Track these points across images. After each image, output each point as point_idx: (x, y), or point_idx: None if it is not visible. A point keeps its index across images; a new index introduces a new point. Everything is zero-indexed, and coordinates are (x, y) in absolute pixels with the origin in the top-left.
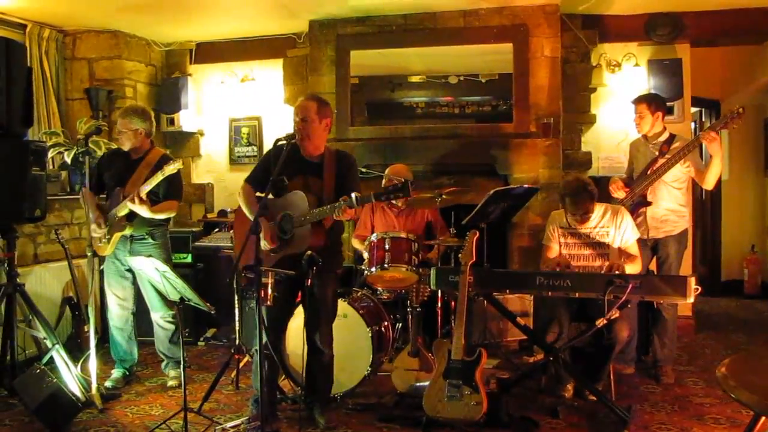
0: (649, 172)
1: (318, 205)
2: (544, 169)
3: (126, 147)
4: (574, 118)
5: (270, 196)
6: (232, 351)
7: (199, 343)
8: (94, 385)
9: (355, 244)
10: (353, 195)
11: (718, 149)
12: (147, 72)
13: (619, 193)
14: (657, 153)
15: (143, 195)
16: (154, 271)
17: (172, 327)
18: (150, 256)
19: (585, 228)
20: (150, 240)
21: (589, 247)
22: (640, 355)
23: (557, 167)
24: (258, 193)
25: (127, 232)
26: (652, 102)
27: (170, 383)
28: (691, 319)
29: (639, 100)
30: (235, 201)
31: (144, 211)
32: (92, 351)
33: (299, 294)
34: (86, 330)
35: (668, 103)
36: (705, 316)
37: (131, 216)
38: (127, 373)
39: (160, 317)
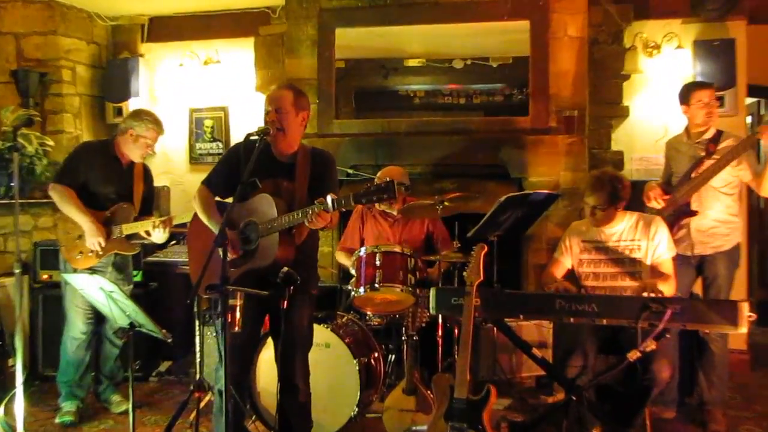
0: (693, 176)
1: (287, 211)
2: (566, 171)
3: (142, 158)
4: (602, 111)
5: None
6: (192, 388)
7: (151, 379)
8: (19, 431)
9: (340, 258)
10: (329, 197)
11: None
12: (89, 51)
13: (654, 203)
14: (703, 153)
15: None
16: (98, 292)
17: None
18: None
19: (610, 239)
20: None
21: (617, 265)
22: (683, 396)
23: (582, 169)
24: (218, 198)
25: (136, 251)
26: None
27: (118, 409)
28: (745, 354)
29: (709, 85)
30: None
31: (163, 237)
32: (19, 390)
33: (266, 320)
34: (11, 364)
35: (719, 93)
36: (764, 349)
37: (131, 235)
38: (81, 405)
39: (113, 332)
